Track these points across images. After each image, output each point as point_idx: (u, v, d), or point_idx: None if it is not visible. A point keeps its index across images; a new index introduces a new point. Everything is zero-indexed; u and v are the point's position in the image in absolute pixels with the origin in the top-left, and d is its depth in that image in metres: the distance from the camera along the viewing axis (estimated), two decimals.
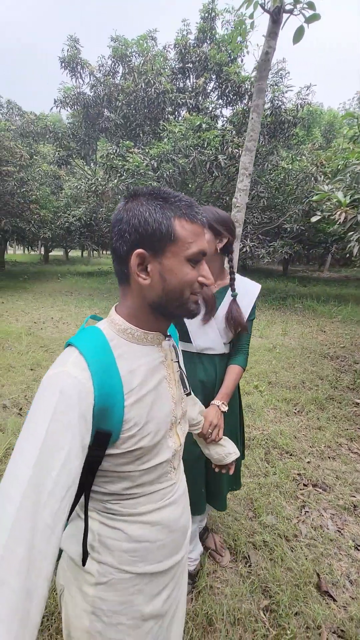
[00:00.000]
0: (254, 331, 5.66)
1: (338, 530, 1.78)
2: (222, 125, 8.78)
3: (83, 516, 0.63)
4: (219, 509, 1.42)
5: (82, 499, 0.63)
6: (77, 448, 0.49)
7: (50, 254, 22.41)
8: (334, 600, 1.41)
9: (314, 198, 3.74)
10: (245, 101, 9.05)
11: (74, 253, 34.44)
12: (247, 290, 1.28)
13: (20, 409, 2.93)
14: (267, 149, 8.50)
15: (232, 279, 1.24)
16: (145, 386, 0.61)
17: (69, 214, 14.52)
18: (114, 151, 7.44)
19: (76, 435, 0.49)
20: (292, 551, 1.64)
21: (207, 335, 1.26)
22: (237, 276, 1.28)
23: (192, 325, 1.26)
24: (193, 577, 1.45)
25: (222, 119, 9.59)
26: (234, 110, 8.98)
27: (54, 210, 12.66)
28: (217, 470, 1.06)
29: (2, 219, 10.20)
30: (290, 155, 8.90)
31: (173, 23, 10.72)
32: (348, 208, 3.21)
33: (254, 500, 1.94)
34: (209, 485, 1.37)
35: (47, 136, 11.09)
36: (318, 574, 1.51)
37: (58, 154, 10.47)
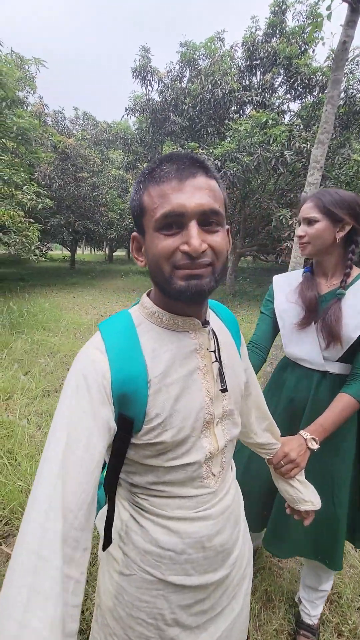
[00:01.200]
0: None
1: None
2: (289, 120, 8.50)
3: (113, 503, 0.62)
4: (277, 554, 1.14)
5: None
6: (100, 430, 0.49)
7: (113, 253, 23.85)
8: None
9: None
10: (315, 93, 8.64)
11: None
12: None
13: None
14: (338, 141, 8.02)
15: (346, 274, 0.99)
16: (171, 375, 0.56)
17: None
18: None
19: (97, 418, 0.49)
20: (355, 551, 1.60)
21: (302, 344, 1.04)
22: None
23: (285, 328, 1.09)
24: (253, 553, 1.51)
25: (289, 113, 9.28)
26: (303, 104, 8.63)
27: (119, 212, 13.47)
28: (288, 511, 0.87)
29: (76, 221, 11.19)
30: None
31: (241, 22, 10.68)
32: None
33: None
34: (274, 520, 1.11)
35: (117, 143, 11.85)
36: None
37: (127, 158, 11.13)
